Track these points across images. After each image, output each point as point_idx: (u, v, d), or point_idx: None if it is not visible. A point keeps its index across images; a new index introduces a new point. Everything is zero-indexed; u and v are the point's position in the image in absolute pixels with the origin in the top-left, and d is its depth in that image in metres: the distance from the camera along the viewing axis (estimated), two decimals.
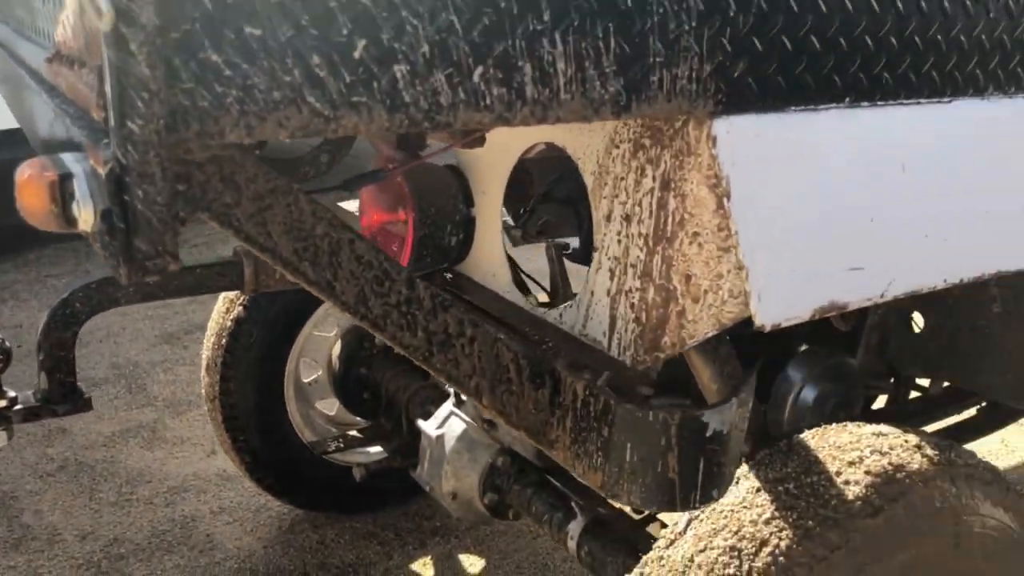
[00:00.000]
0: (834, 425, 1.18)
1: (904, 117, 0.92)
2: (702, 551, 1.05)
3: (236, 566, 2.21)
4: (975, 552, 1.15)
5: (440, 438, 1.82)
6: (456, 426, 1.82)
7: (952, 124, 0.96)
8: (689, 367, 1.09)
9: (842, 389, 1.58)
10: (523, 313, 1.13)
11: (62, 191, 0.61)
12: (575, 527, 1.62)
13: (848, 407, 1.60)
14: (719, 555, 1.03)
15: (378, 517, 2.38)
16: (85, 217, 0.61)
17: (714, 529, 1.06)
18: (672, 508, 0.94)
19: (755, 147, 0.76)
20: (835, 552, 1.03)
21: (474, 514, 1.85)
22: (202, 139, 0.59)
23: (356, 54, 0.64)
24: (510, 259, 1.28)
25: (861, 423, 1.20)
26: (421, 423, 1.88)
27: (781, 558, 1.01)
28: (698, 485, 0.91)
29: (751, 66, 0.78)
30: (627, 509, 1.67)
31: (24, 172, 0.63)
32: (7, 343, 1.43)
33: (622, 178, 0.87)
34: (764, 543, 1.03)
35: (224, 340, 2.12)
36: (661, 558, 1.08)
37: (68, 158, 0.63)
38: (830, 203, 0.83)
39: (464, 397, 1.80)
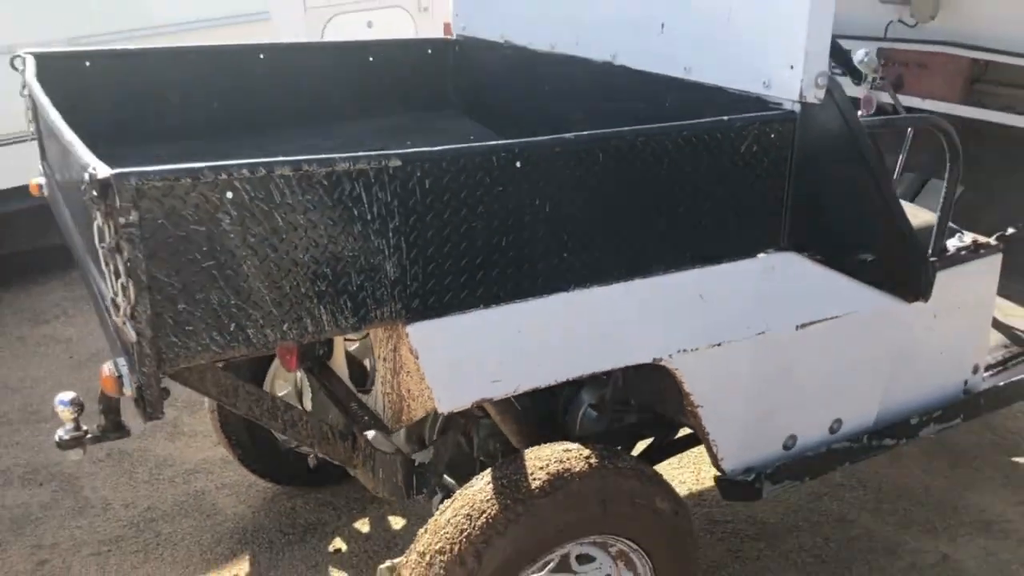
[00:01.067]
0: (544, 445, 2.10)
1: None
2: (453, 516, 1.98)
3: (232, 526, 3.18)
4: (620, 512, 2.05)
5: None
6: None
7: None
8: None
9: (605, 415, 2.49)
10: (353, 395, 2.07)
11: (120, 381, 1.54)
12: (437, 500, 2.56)
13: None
14: (461, 519, 1.96)
15: (333, 490, 3.33)
16: (129, 393, 1.53)
17: (462, 504, 1.98)
18: (404, 498, 1.87)
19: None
20: (520, 517, 1.94)
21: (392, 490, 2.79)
22: (169, 368, 1.51)
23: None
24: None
25: (566, 443, 2.11)
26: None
27: (490, 519, 1.93)
28: (413, 488, 1.84)
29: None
30: None
31: (105, 369, 1.57)
32: (80, 399, 2.36)
33: (381, 339, 1.80)
34: (483, 511, 1.95)
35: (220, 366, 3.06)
36: (434, 521, 2.01)
37: (122, 366, 1.55)
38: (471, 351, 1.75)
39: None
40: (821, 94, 1.99)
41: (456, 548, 1.92)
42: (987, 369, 2.77)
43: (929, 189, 3.53)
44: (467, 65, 3.19)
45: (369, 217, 1.58)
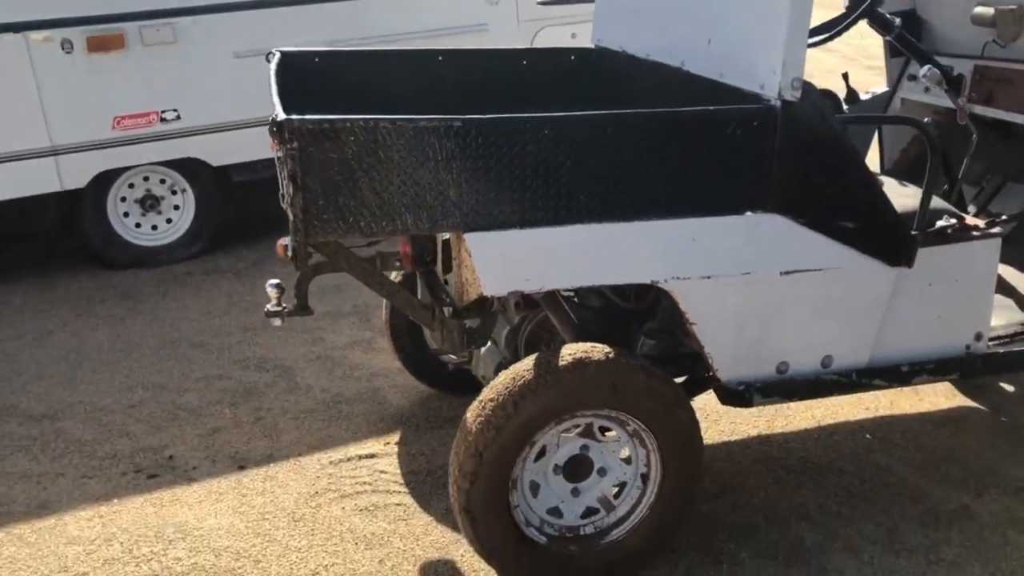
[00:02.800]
0: (584, 342, 2.90)
1: None
2: (504, 379, 2.82)
3: (392, 411, 4.20)
4: (628, 394, 2.81)
5: (482, 351, 3.67)
6: (489, 346, 3.66)
7: None
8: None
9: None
10: (442, 285, 3.00)
11: (286, 248, 2.55)
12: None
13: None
14: (508, 380, 2.80)
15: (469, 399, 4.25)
16: (290, 255, 2.53)
17: (511, 372, 2.82)
18: (461, 352, 2.79)
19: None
20: (547, 384, 2.76)
21: None
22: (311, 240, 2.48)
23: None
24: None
25: (595, 343, 2.90)
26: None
27: (527, 382, 2.76)
28: (465, 344, 2.73)
29: None
30: None
31: (279, 242, 2.59)
32: (283, 284, 3.45)
33: (455, 242, 2.71)
34: (523, 377, 2.78)
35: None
36: (495, 380, 2.87)
37: (288, 240, 2.56)
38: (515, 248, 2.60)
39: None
40: (797, 94, 2.66)
41: (501, 398, 2.78)
42: (995, 340, 3.23)
43: (1008, 192, 3.93)
44: (601, 70, 4.01)
45: (440, 158, 2.48)
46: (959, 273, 3.05)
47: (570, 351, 2.82)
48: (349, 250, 2.87)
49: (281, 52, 3.76)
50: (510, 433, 2.76)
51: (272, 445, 3.96)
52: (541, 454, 2.89)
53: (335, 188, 2.46)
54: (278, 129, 2.37)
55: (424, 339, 4.16)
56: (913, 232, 2.94)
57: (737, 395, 2.95)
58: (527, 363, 2.83)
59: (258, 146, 6.00)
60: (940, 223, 3.01)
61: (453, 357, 4.17)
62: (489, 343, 3.62)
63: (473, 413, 2.82)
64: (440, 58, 3.95)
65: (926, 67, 3.41)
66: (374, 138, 2.44)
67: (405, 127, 2.45)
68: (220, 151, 6.04)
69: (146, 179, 6.07)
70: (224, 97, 5.94)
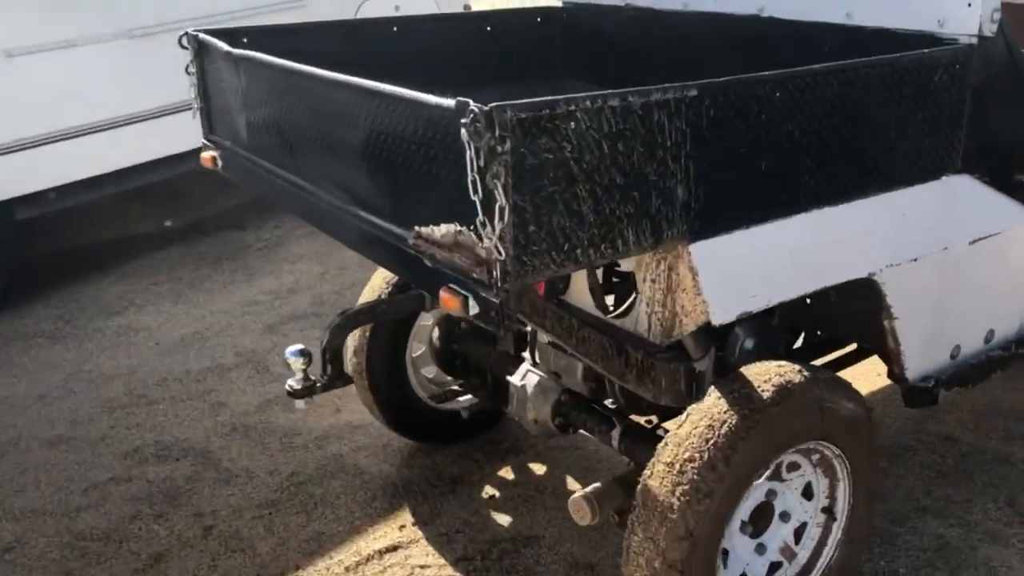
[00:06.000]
0: (757, 363, 2.29)
1: None
2: (694, 428, 2.16)
3: (381, 483, 3.31)
4: (833, 417, 2.26)
5: (524, 386, 2.92)
6: (532, 378, 2.92)
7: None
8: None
9: (765, 340, 2.69)
10: (601, 321, 2.24)
11: (465, 304, 1.69)
12: (616, 432, 2.73)
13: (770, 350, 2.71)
14: (704, 429, 2.14)
15: (467, 444, 3.48)
16: (473, 312, 1.68)
17: (700, 417, 2.17)
18: (683, 405, 2.05)
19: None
20: (757, 424, 2.14)
21: (547, 432, 2.96)
22: (516, 285, 1.66)
23: None
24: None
25: (775, 361, 2.30)
26: (509, 378, 2.97)
27: (732, 427, 2.12)
28: (694, 394, 2.02)
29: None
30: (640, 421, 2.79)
31: (443, 293, 1.72)
32: (309, 350, 2.48)
33: (649, 264, 1.97)
34: (724, 422, 2.14)
35: (367, 332, 3.19)
36: (675, 434, 2.19)
37: (459, 287, 1.70)
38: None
39: (538, 359, 2.89)
40: (995, 28, 2.21)
41: (706, 455, 2.10)
42: None
43: None
44: (578, 31, 3.35)
45: (669, 144, 1.76)
46: None
47: (763, 376, 2.21)
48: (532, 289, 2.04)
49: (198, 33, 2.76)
50: (723, 497, 2.11)
51: (252, 564, 2.95)
52: None
53: (550, 204, 1.65)
54: (486, 124, 1.53)
55: (408, 382, 3.31)
56: None
57: (925, 393, 2.49)
58: (714, 402, 2.17)
59: (52, 170, 4.68)
60: None
61: (464, 402, 3.37)
62: (533, 374, 2.89)
63: (664, 484, 2.13)
64: (395, 28, 3.11)
65: None
66: (597, 125, 1.66)
67: (634, 104, 1.69)
68: None
69: None
70: None
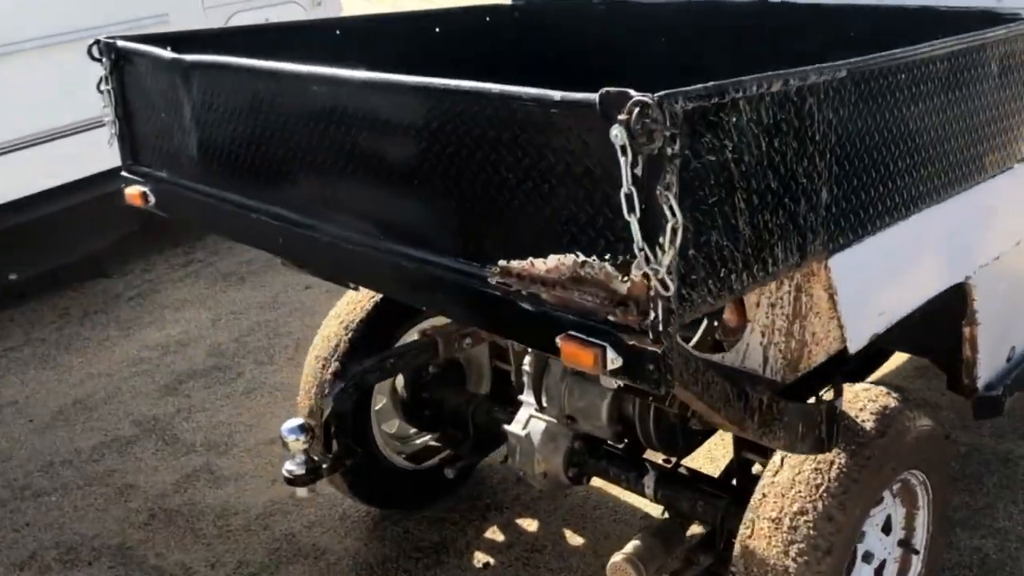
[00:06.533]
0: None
1: None
2: (798, 473, 1.84)
3: (352, 562, 2.82)
4: (925, 442, 2.00)
5: (528, 435, 2.52)
6: (538, 425, 2.52)
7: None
8: None
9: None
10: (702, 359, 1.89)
11: (601, 357, 1.29)
12: (649, 480, 2.38)
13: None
14: (810, 474, 1.83)
15: (439, 506, 3.03)
16: (615, 365, 1.28)
17: (801, 460, 1.85)
18: (823, 451, 1.71)
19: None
20: (869, 460, 1.84)
21: (558, 486, 2.57)
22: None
23: None
24: None
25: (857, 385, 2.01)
26: (507, 427, 2.57)
27: (842, 468, 1.82)
28: (833, 438, 1.70)
29: None
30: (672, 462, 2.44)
31: (567, 343, 1.31)
32: (310, 424, 1.99)
33: (772, 291, 1.64)
34: (831, 463, 1.83)
35: (324, 390, 2.70)
36: (773, 483, 1.86)
37: (587, 336, 1.30)
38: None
39: (545, 402, 2.50)
40: None
41: (819, 505, 1.79)
42: None
43: None
44: (534, 29, 3.00)
45: (817, 137, 1.43)
46: None
47: (856, 404, 1.92)
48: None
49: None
50: (841, 549, 1.81)
51: None
52: None
53: (710, 219, 1.29)
54: (654, 118, 1.15)
55: (373, 440, 2.84)
56: None
57: (994, 403, 2.28)
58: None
59: None
60: None
61: (452, 465, 2.90)
62: (539, 420, 2.51)
63: (773, 544, 1.80)
64: (338, 32, 2.67)
65: None
66: (757, 116, 1.31)
67: (791, 89, 1.35)
68: None
69: None
70: None
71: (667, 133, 1.15)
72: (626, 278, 1.26)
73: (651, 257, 1.20)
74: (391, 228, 1.62)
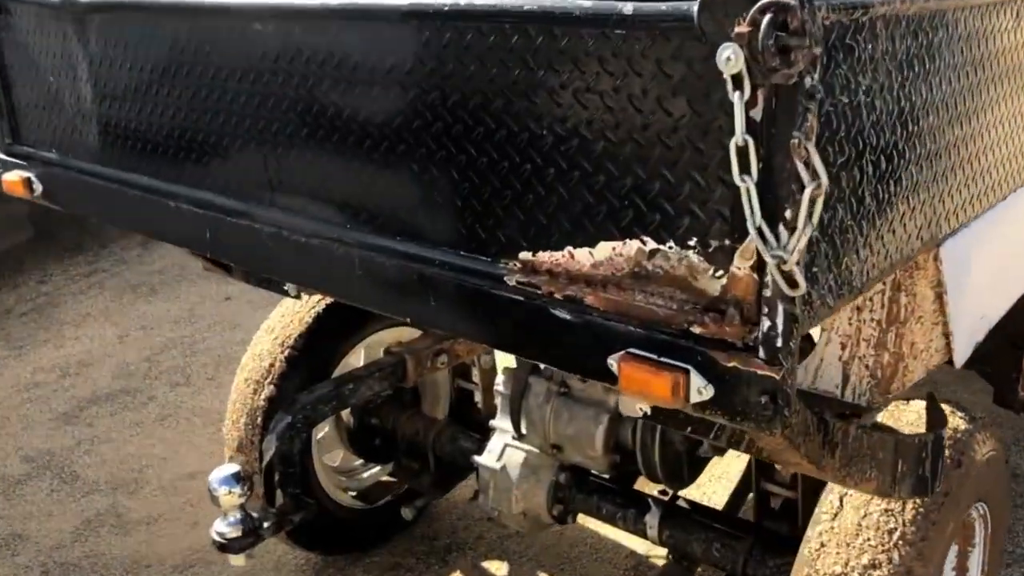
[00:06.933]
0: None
1: None
2: (863, 518, 1.49)
3: None
4: (992, 470, 1.68)
5: (504, 468, 2.13)
6: (516, 456, 2.14)
7: None
8: None
9: None
10: None
11: (684, 385, 0.91)
12: (652, 518, 2.02)
13: None
14: (879, 518, 1.48)
15: (391, 549, 2.61)
16: (703, 396, 0.91)
17: (864, 501, 1.50)
18: (926, 494, 1.35)
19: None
20: (945, 496, 1.51)
21: (539, 526, 2.19)
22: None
23: None
24: None
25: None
26: (477, 459, 2.17)
27: (919, 509, 1.48)
28: (938, 476, 1.35)
29: None
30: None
31: (629, 364, 0.92)
32: (250, 471, 1.55)
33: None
34: (904, 503, 1.49)
35: (258, 419, 2.26)
36: (832, 527, 1.51)
37: (659, 356, 0.92)
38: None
39: (524, 429, 2.11)
40: None
41: (895, 555, 1.44)
42: None
43: None
44: None
45: (953, 79, 1.08)
46: None
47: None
48: None
49: None
50: None
51: None
52: None
53: (836, 186, 0.92)
54: (803, 30, 0.77)
55: (314, 478, 2.39)
56: None
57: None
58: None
59: None
60: None
61: (411, 503, 2.47)
62: (516, 450, 2.12)
63: None
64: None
65: None
66: (892, 47, 0.95)
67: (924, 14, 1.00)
68: None
69: None
70: None
71: (815, 52, 0.77)
72: (721, 272, 0.89)
73: (772, 240, 0.83)
74: (362, 213, 1.21)
